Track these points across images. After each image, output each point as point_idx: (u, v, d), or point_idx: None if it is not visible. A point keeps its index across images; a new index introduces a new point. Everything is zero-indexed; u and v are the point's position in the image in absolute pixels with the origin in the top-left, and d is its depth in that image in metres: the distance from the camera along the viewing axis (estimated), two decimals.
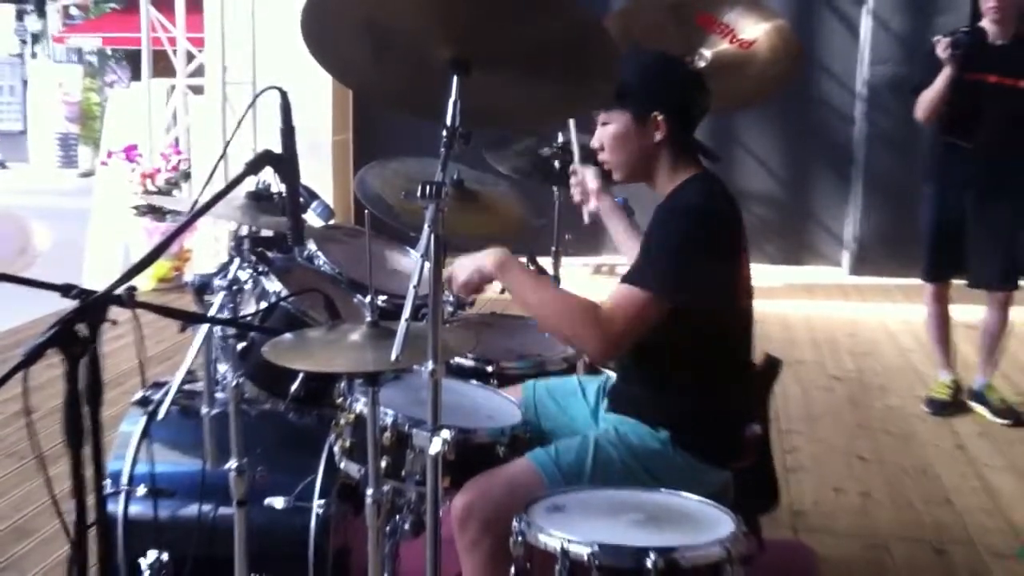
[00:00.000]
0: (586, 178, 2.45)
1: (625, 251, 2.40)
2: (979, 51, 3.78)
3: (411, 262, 2.84)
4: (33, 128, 16.27)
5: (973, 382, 4.23)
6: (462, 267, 2.04)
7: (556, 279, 3.02)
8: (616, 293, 1.92)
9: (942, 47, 3.72)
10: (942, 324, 4.20)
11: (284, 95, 1.73)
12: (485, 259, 2.02)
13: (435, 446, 1.64)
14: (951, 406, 4.19)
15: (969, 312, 4.25)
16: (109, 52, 17.32)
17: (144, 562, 2.20)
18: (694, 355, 1.98)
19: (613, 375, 2.25)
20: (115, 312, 1.38)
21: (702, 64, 2.79)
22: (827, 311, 6.23)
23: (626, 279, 1.93)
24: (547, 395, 2.23)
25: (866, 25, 7.04)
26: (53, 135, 15.81)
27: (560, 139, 3.07)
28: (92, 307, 1.35)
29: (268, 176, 1.83)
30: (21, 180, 14.77)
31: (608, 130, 2.07)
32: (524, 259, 2.89)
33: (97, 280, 5.12)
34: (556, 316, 1.98)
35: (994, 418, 4.11)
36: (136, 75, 10.65)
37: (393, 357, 1.53)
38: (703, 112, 2.10)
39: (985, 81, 3.79)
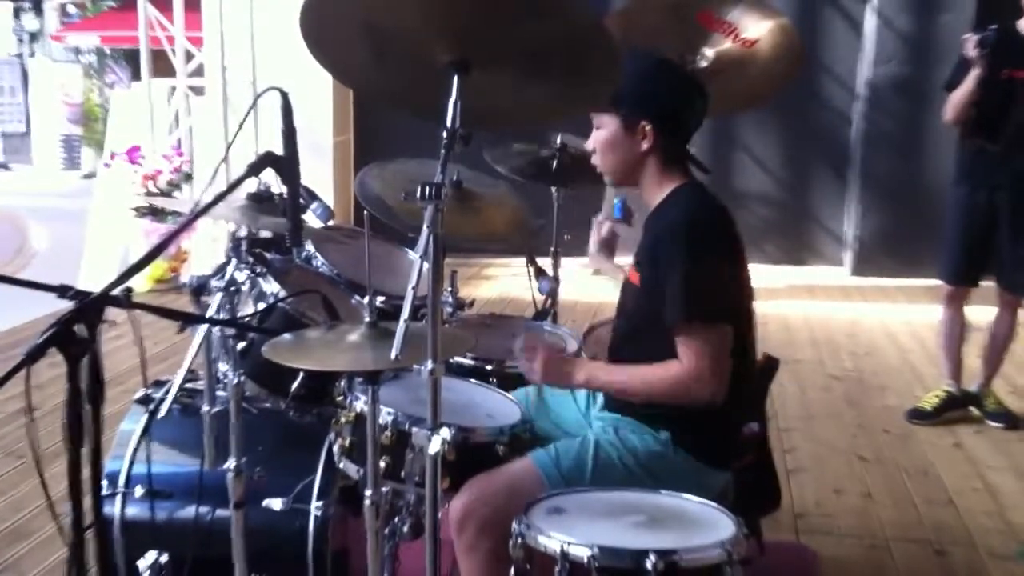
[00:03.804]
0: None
1: None
2: (1015, 48, 3.74)
3: (410, 263, 2.83)
4: (36, 129, 16.26)
5: (971, 384, 4.18)
6: (552, 373, 2.03)
7: (556, 279, 3.02)
8: (681, 347, 1.92)
9: (970, 46, 3.70)
10: (957, 331, 4.07)
11: (285, 96, 1.72)
12: (574, 371, 2.02)
13: (434, 445, 1.64)
14: (930, 417, 4.11)
15: (976, 313, 4.18)
16: (107, 51, 17.30)
17: (143, 563, 2.19)
18: None
19: None
20: (113, 313, 1.38)
21: (704, 64, 2.79)
22: (827, 311, 6.22)
23: (675, 327, 1.92)
24: (538, 398, 2.23)
25: (870, 24, 7.03)
26: (57, 137, 15.79)
27: (559, 141, 3.07)
28: (89, 308, 1.35)
29: (269, 177, 1.82)
30: (24, 182, 14.76)
31: (599, 133, 2.06)
32: (526, 262, 2.90)
33: (93, 282, 5.11)
34: (654, 397, 1.96)
35: (989, 421, 4.09)
36: (136, 74, 10.64)
37: (393, 355, 1.53)
38: (698, 122, 2.08)
39: (1016, 78, 3.73)
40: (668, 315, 1.92)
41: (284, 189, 1.75)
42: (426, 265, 1.60)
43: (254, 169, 1.68)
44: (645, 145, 2.02)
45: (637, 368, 1.98)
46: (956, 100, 3.80)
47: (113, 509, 2.25)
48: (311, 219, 2.31)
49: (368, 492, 1.79)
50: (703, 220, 1.99)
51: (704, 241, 1.96)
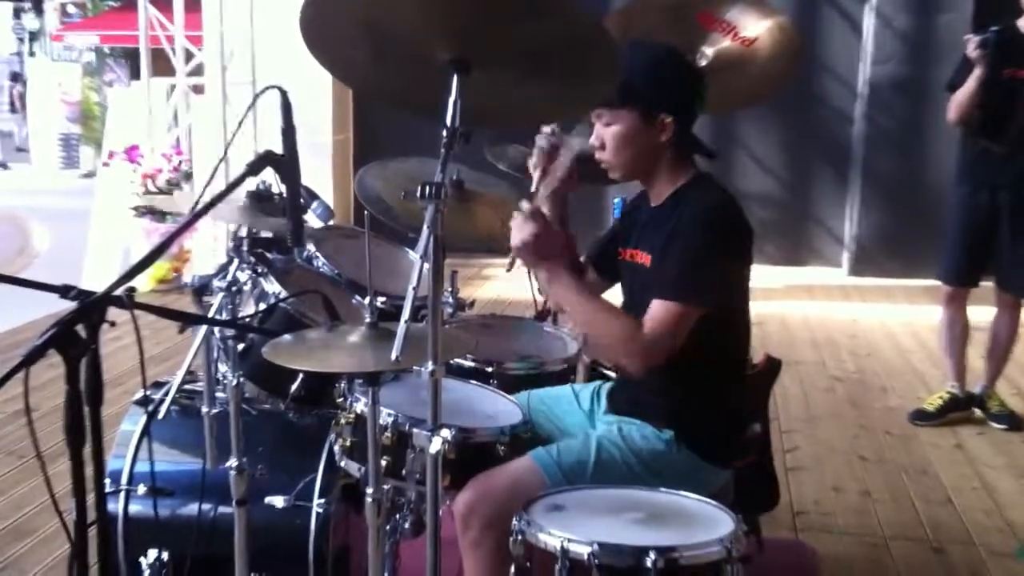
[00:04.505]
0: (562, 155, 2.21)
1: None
2: (1016, 48, 3.73)
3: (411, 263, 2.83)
4: (34, 128, 16.23)
5: (974, 386, 4.18)
6: (529, 257, 1.99)
7: None
8: (654, 311, 1.92)
9: (971, 47, 3.69)
10: (958, 332, 4.07)
11: (284, 95, 1.73)
12: (540, 270, 2.01)
13: (435, 445, 1.64)
14: (933, 418, 4.11)
15: (975, 313, 4.16)
16: (106, 50, 17.30)
17: (144, 561, 2.20)
18: (698, 355, 1.98)
19: (610, 377, 2.25)
20: (114, 313, 1.38)
21: (704, 63, 2.79)
22: (827, 312, 6.23)
23: (660, 295, 1.93)
24: (541, 404, 2.24)
25: (869, 23, 7.03)
26: (55, 135, 15.77)
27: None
28: (91, 308, 1.35)
29: (268, 176, 1.83)
30: (22, 181, 14.73)
31: (612, 130, 2.04)
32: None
33: (96, 281, 5.11)
34: (600, 331, 1.99)
35: (992, 423, 4.09)
36: (135, 74, 10.65)
37: (393, 357, 1.53)
38: (703, 106, 2.10)
39: (1018, 78, 3.72)
40: (663, 289, 1.93)
41: (283, 188, 1.75)
42: (426, 265, 1.61)
43: (253, 168, 1.68)
44: (664, 137, 2.02)
45: (602, 302, 1.99)
46: (958, 100, 3.79)
47: (116, 507, 2.25)
48: (311, 219, 2.31)
49: (369, 490, 1.79)
50: (726, 209, 2.01)
51: (729, 230, 1.98)
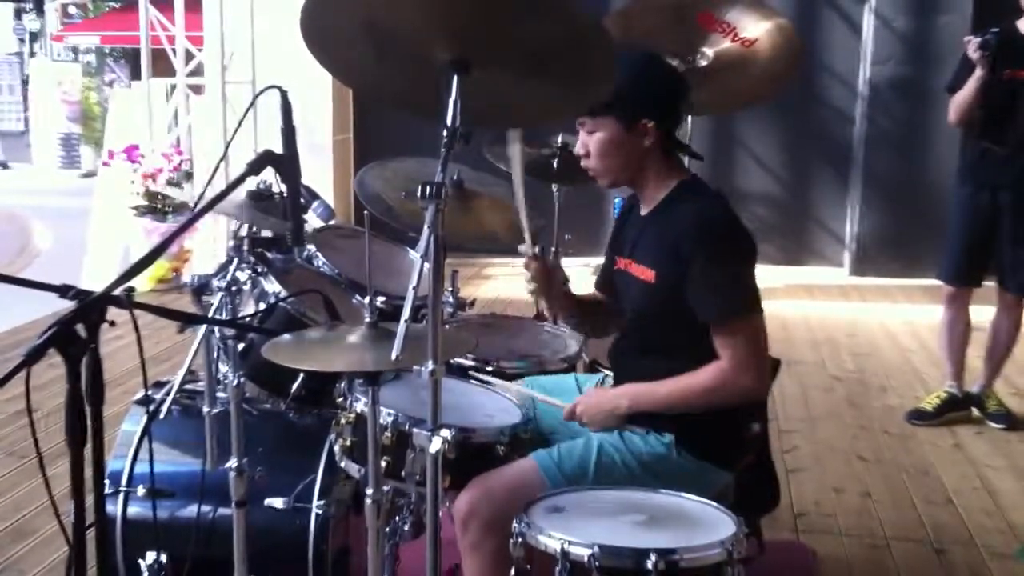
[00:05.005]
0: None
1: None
2: (1016, 49, 3.72)
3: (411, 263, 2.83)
4: (35, 128, 16.23)
5: (972, 385, 4.18)
6: (600, 418, 2.03)
7: None
8: (722, 342, 1.93)
9: (972, 48, 3.68)
10: (959, 332, 4.06)
11: (284, 94, 1.73)
12: (618, 403, 2.03)
13: (435, 445, 1.64)
14: (931, 417, 4.10)
15: (977, 313, 4.14)
16: (107, 51, 17.31)
17: (143, 563, 2.19)
18: (698, 356, 1.98)
19: (611, 375, 2.25)
20: (114, 313, 1.38)
21: (704, 63, 2.80)
22: (827, 311, 6.22)
23: (716, 324, 1.94)
24: (544, 393, 2.23)
25: (868, 24, 7.03)
26: (56, 135, 15.78)
27: (560, 140, 3.08)
28: (90, 308, 1.35)
29: (269, 176, 1.82)
30: (23, 180, 14.73)
31: (595, 137, 2.04)
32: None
33: (96, 281, 5.12)
34: (699, 401, 1.97)
35: (990, 422, 4.09)
36: (135, 74, 10.66)
37: (393, 356, 1.53)
38: (688, 108, 2.10)
39: (1018, 78, 3.71)
40: (707, 312, 1.94)
41: (284, 188, 1.75)
42: (427, 265, 1.60)
43: (254, 168, 1.68)
44: (647, 142, 2.01)
45: (675, 379, 1.99)
46: (959, 102, 3.79)
47: (115, 508, 2.25)
48: (312, 218, 2.31)
49: (369, 491, 1.79)
50: (727, 216, 2.01)
51: (733, 236, 1.99)
